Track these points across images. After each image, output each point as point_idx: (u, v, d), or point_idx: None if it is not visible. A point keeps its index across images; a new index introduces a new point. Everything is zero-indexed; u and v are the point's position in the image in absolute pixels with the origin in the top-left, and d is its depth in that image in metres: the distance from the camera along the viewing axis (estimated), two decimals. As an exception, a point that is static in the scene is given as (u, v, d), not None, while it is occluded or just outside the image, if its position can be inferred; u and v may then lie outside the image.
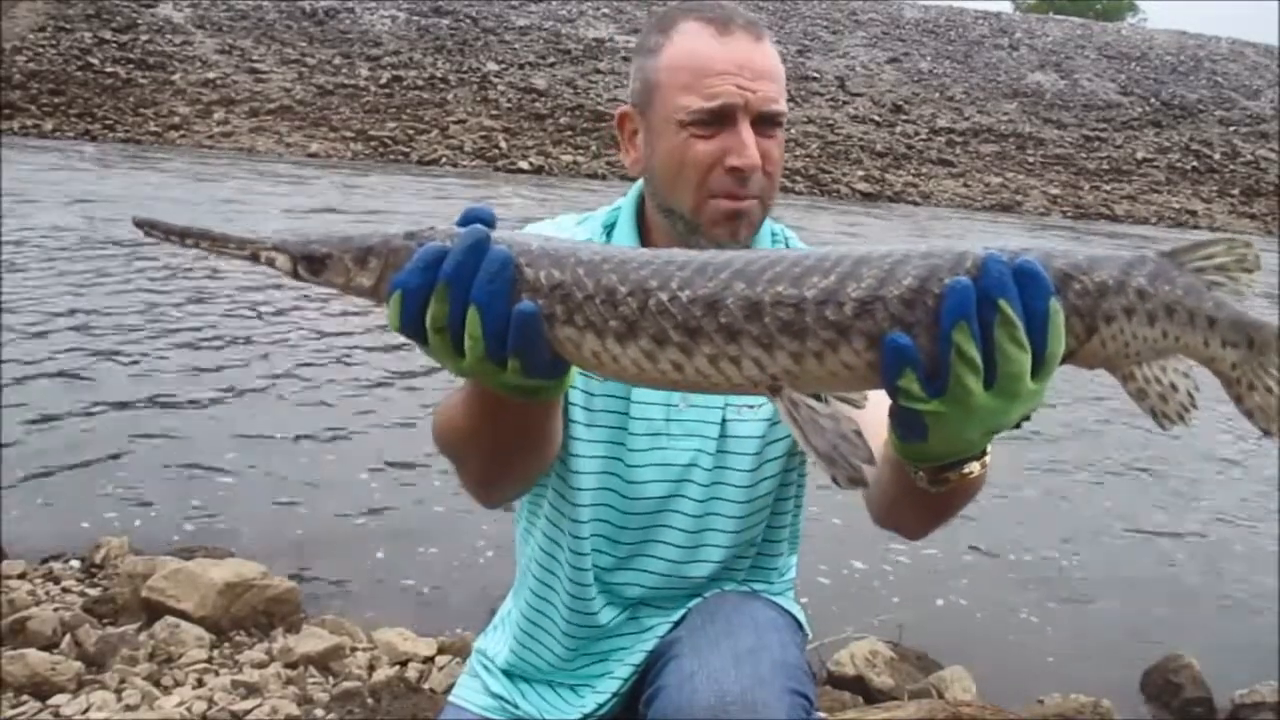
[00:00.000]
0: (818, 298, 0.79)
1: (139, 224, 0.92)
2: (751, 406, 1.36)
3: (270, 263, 0.91)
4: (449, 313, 0.84)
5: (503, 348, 0.84)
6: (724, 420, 1.36)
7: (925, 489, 0.94)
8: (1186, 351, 0.85)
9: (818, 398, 0.83)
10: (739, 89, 1.24)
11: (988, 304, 0.77)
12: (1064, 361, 0.82)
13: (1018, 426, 0.84)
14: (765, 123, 1.27)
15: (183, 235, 0.91)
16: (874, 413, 1.17)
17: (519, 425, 1.08)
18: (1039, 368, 0.79)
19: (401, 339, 0.89)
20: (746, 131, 1.25)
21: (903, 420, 0.82)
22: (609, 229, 1.41)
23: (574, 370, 0.93)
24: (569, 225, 1.43)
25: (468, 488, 1.25)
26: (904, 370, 0.78)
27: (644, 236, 1.38)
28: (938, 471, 0.92)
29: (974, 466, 0.92)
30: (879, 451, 1.06)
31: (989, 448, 0.93)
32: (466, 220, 0.88)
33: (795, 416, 0.81)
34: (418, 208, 12.09)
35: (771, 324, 0.80)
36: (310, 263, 0.90)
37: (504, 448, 1.12)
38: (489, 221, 0.88)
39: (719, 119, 1.25)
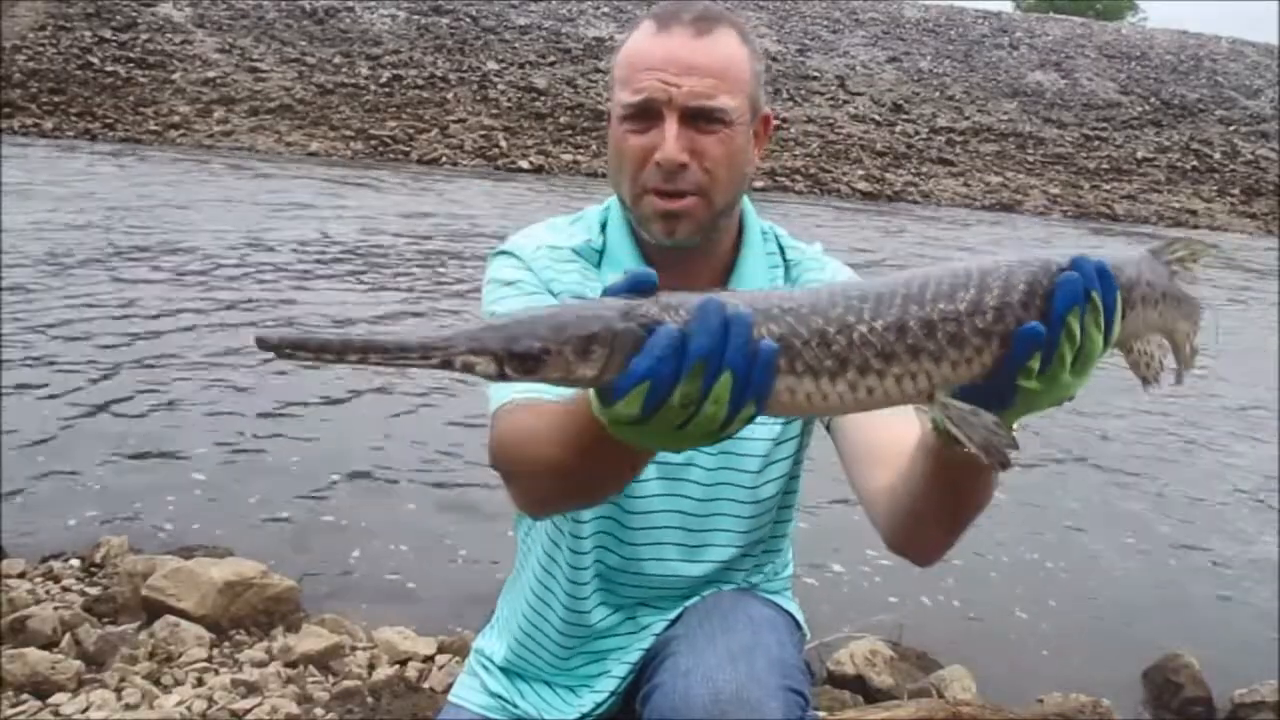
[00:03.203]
0: (968, 310, 0.89)
1: (267, 345, 0.76)
2: None
3: (469, 368, 0.80)
4: (700, 388, 0.81)
5: (738, 406, 0.83)
6: None
7: (961, 461, 1.00)
8: (1166, 326, 1.04)
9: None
10: (663, 84, 1.25)
11: (1084, 294, 0.90)
12: None
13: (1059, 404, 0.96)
14: (700, 118, 1.26)
15: (341, 351, 0.76)
16: (892, 430, 1.23)
17: (627, 465, 1.04)
18: (1102, 350, 0.93)
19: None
20: (670, 126, 1.26)
21: (994, 396, 0.91)
22: (603, 226, 1.42)
23: None
24: (563, 226, 1.44)
25: (524, 501, 1.20)
26: (1034, 353, 0.88)
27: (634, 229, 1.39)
28: None
29: None
30: (905, 461, 1.14)
31: (1015, 427, 1.00)
32: (636, 284, 0.85)
33: (949, 416, 0.90)
34: (429, 207, 12.09)
35: (942, 338, 0.89)
36: (521, 361, 0.80)
37: (599, 483, 1.09)
38: (655, 282, 0.85)
39: (646, 114, 1.27)
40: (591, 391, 0.87)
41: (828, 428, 1.37)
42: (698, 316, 0.81)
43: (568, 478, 1.06)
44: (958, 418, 0.90)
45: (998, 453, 0.89)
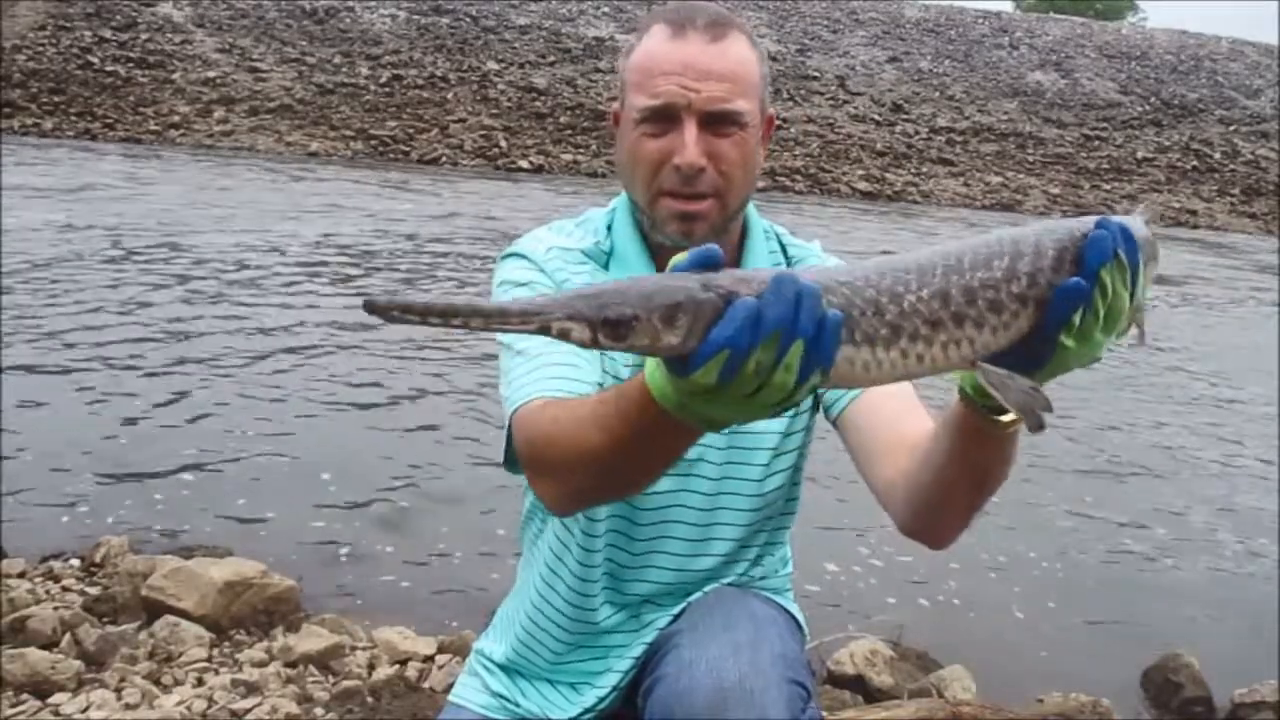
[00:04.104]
0: (1005, 276, 0.93)
1: (375, 309, 0.80)
2: None
3: (564, 334, 0.84)
4: (773, 357, 0.84)
5: (807, 375, 0.85)
6: None
7: (993, 433, 1.05)
8: (1150, 282, 1.07)
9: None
10: (682, 89, 1.27)
11: (1112, 251, 0.93)
12: None
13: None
14: (718, 122, 1.29)
15: (445, 314, 0.81)
16: (904, 418, 1.28)
17: (670, 451, 1.04)
18: (1129, 307, 0.96)
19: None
20: (690, 131, 1.28)
21: (1031, 356, 0.94)
22: (609, 228, 1.42)
23: None
24: (569, 229, 1.45)
25: (556, 497, 1.20)
26: (1076, 307, 0.92)
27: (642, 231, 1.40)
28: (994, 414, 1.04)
29: None
30: (926, 445, 1.17)
31: None
32: (703, 260, 0.87)
33: (989, 380, 0.94)
34: (434, 208, 12.09)
35: (983, 305, 0.93)
36: (613, 328, 0.84)
37: (643, 469, 1.08)
38: (721, 259, 0.88)
39: (664, 117, 1.29)
40: (660, 367, 0.90)
41: (834, 422, 1.39)
42: (773, 288, 0.84)
43: (612, 465, 1.06)
44: (997, 381, 0.94)
45: (1034, 414, 0.93)
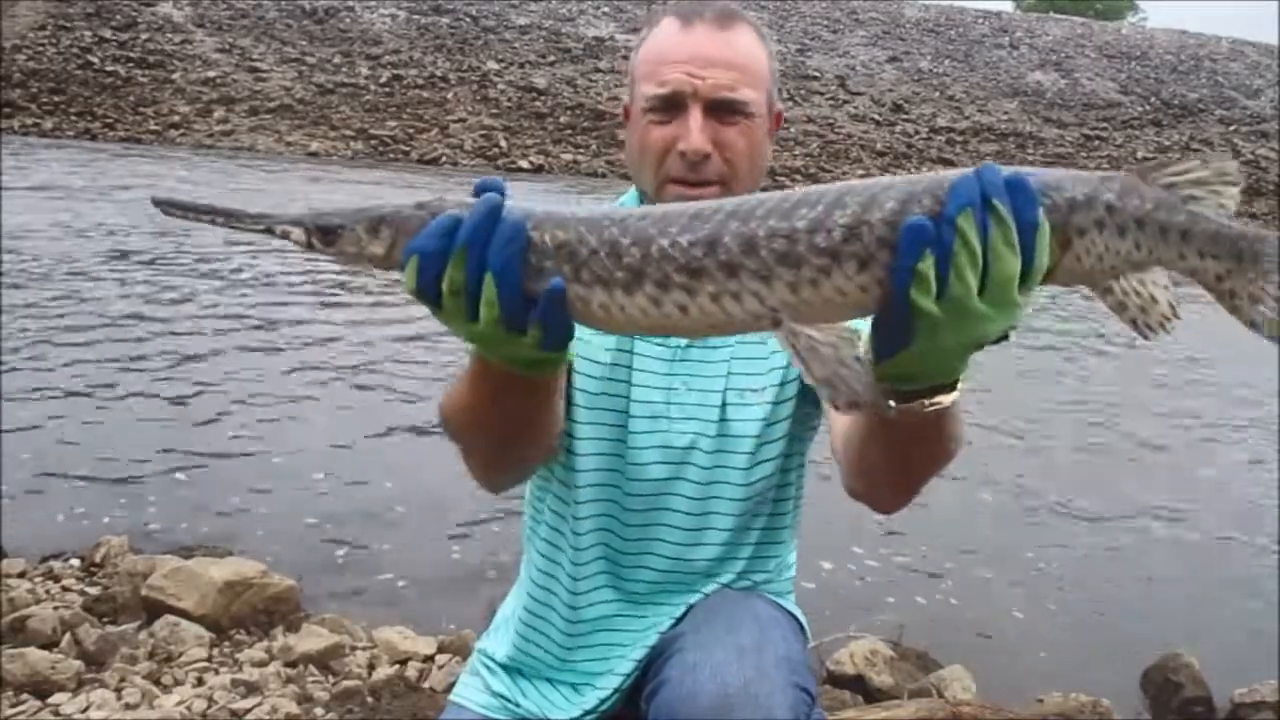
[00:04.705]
0: (808, 227, 0.83)
1: (158, 204, 0.96)
2: (754, 390, 1.38)
3: (285, 235, 0.96)
4: (466, 278, 0.88)
5: (519, 316, 0.88)
6: (724, 404, 1.38)
7: (893, 419, 0.95)
8: (1164, 264, 0.87)
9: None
10: (689, 76, 1.29)
11: (984, 203, 0.80)
12: (1044, 279, 0.84)
13: (996, 343, 0.86)
14: (723, 110, 1.30)
15: (199, 213, 0.95)
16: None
17: (523, 403, 1.08)
18: (1025, 278, 0.82)
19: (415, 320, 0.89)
20: (694, 118, 1.29)
21: (891, 326, 0.83)
22: None
23: (573, 343, 0.95)
24: None
25: (472, 472, 1.27)
26: (920, 251, 0.79)
27: None
28: (908, 397, 0.93)
29: (943, 398, 0.94)
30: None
31: (960, 385, 0.95)
32: (480, 191, 0.91)
33: (795, 345, 0.84)
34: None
35: (768, 256, 0.83)
36: (324, 234, 0.95)
37: (509, 429, 1.13)
38: (501, 191, 0.91)
39: (671, 105, 1.31)
40: None
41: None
42: (474, 209, 0.88)
43: (483, 421, 1.12)
44: (804, 347, 0.83)
45: (844, 388, 0.82)
